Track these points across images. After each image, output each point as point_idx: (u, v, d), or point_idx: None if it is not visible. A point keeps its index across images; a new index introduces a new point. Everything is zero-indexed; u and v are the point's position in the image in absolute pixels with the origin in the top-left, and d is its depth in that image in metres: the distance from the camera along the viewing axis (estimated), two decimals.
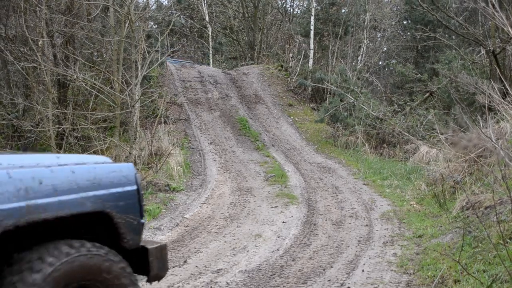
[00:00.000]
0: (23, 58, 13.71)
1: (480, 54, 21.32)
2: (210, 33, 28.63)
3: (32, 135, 14.71)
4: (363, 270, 6.59)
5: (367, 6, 26.52)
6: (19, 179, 3.29)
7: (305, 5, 30.56)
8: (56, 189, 3.48)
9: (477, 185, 9.06)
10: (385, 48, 31.22)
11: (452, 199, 9.47)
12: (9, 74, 16.90)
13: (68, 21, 14.93)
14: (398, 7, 30.24)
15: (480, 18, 23.37)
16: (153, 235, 8.62)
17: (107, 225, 3.81)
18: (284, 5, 31.37)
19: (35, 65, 13.29)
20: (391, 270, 6.54)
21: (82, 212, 3.60)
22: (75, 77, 12.95)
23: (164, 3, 30.81)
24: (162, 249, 4.08)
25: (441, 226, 8.20)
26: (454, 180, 9.85)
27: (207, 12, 27.89)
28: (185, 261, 7.22)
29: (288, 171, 13.23)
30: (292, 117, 19.65)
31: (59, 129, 13.71)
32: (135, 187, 3.95)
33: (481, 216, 7.37)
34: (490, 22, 17.85)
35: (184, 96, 19.68)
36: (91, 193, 3.67)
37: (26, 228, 3.26)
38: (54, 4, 15.21)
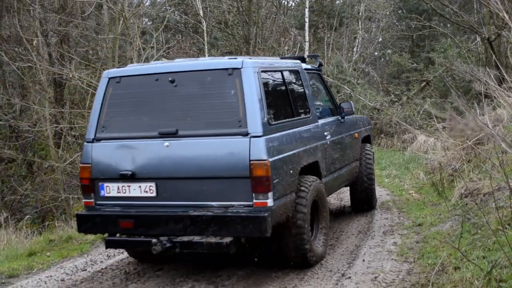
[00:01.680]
0: (18, 58, 13.72)
1: (476, 41, 21.36)
2: (205, 28, 28.54)
3: (30, 135, 14.72)
4: (363, 260, 6.62)
5: None
6: (359, 119, 9.24)
7: None
8: (363, 126, 9.02)
9: (475, 172, 9.09)
10: (380, 39, 31.22)
11: (450, 187, 9.50)
12: (4, 75, 16.88)
13: (62, 20, 14.92)
14: None
15: (474, 5, 23.39)
16: None
17: (366, 141, 9.09)
18: None
19: (30, 64, 13.30)
20: (392, 259, 6.57)
21: (363, 136, 8.95)
22: (71, 75, 12.96)
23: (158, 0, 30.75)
24: None
25: (440, 214, 8.23)
26: (452, 168, 9.89)
27: (201, 7, 27.80)
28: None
29: None
30: None
31: (57, 129, 13.71)
32: (371, 126, 9.99)
33: (480, 203, 7.41)
34: (484, 10, 17.86)
35: None
36: (363, 128, 8.99)
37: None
38: (47, 3, 15.20)
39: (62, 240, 8.22)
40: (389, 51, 29.27)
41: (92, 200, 6.06)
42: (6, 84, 16.89)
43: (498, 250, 5.38)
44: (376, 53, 30.80)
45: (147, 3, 25.09)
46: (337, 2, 26.15)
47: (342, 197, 10.38)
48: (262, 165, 5.41)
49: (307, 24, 23.62)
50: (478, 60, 18.70)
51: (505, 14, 9.42)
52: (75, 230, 8.63)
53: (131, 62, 12.56)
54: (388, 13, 29.77)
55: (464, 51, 19.33)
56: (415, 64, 22.50)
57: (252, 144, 5.44)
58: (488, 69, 12.42)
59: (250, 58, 5.92)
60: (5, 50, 14.12)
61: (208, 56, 28.62)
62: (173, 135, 5.75)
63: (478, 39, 20.22)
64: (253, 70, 5.66)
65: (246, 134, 5.47)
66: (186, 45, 30.66)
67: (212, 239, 5.54)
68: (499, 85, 10.77)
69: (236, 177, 5.51)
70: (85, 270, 6.85)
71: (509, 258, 4.89)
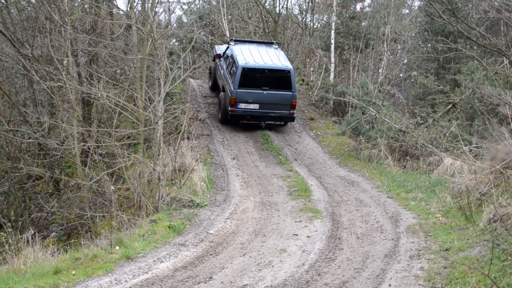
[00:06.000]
0: (49, 77, 13.95)
1: (503, 64, 21.15)
2: None
3: (58, 153, 14.90)
4: (390, 285, 6.55)
5: (386, 19, 26.50)
6: None
7: (325, 19, 30.66)
8: None
9: (504, 197, 8.95)
10: (405, 60, 31.09)
11: (478, 211, 9.37)
12: (35, 93, 17.20)
13: (92, 40, 15.18)
14: (418, 19, 30.13)
15: (502, 28, 23.21)
16: (177, 251, 8.66)
17: None
18: (304, 19, 31.47)
19: (60, 84, 13.50)
20: (419, 285, 6.49)
21: None
22: (99, 95, 13.12)
23: (185, 21, 31.11)
24: None
25: (468, 239, 8.11)
26: (480, 192, 9.75)
27: (227, 28, 28.10)
28: (210, 277, 7.25)
29: (312, 185, 13.21)
30: (314, 131, 19.67)
31: (84, 147, 13.86)
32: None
33: (510, 228, 7.29)
34: None
35: (206, 112, 19.82)
36: None
37: None
38: (78, 24, 15.49)
39: (88, 259, 8.26)
40: (415, 72, 29.11)
41: (234, 108, 17.35)
42: (36, 102, 17.20)
43: None
44: (401, 75, 30.65)
45: (175, 25, 25.40)
46: (363, 24, 26.14)
47: (368, 219, 10.30)
48: (295, 102, 18.13)
49: (332, 46, 23.67)
50: (506, 83, 18.48)
51: None
52: (100, 249, 8.71)
53: (159, 82, 12.69)
54: (413, 34, 29.69)
55: (491, 74, 19.14)
56: (441, 86, 22.34)
57: (292, 95, 17.88)
58: None
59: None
60: (36, 70, 14.37)
61: None
62: (268, 89, 17.57)
63: (506, 61, 20.01)
64: (293, 71, 18.35)
65: (291, 92, 17.86)
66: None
67: (278, 122, 18.51)
68: None
69: (286, 104, 17.87)
70: None
71: None
